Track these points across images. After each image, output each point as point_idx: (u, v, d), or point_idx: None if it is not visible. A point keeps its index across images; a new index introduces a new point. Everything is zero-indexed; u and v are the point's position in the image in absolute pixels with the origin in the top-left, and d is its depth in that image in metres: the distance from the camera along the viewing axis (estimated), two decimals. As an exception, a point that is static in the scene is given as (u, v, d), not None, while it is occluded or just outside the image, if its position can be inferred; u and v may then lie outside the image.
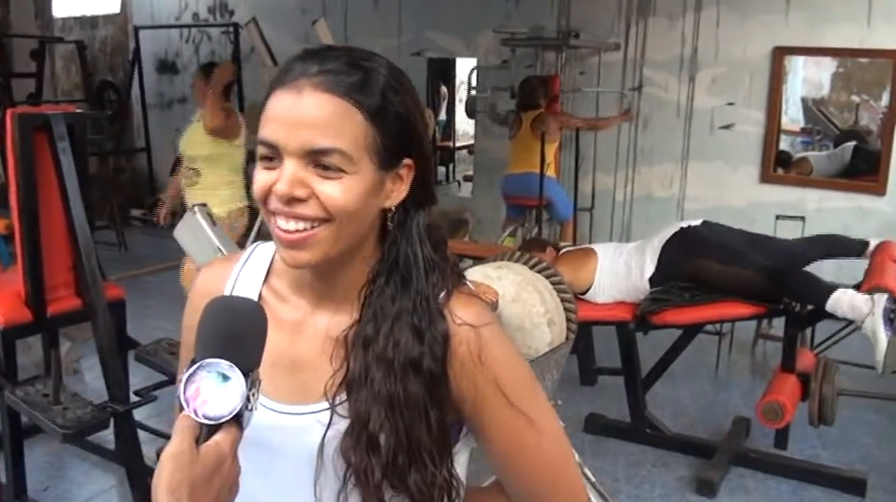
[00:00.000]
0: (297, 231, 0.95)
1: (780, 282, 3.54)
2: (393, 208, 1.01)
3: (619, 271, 3.81)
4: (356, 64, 0.95)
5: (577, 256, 3.95)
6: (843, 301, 3.34)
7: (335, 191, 0.93)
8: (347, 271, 1.02)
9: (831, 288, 3.41)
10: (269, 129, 0.94)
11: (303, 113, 0.92)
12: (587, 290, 3.84)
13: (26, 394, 2.96)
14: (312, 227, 0.95)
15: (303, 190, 0.93)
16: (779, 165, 6.28)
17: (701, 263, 3.65)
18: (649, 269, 3.71)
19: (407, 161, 1.00)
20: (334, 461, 0.98)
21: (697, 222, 3.86)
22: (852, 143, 6.03)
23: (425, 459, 0.97)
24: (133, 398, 3.25)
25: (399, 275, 1.01)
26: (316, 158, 0.93)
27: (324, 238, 0.95)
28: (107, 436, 3.58)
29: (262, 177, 0.96)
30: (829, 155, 6.17)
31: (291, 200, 0.93)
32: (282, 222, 0.95)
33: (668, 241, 3.72)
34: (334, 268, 1.02)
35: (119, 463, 3.46)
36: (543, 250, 3.96)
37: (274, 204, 0.95)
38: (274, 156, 0.94)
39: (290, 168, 0.93)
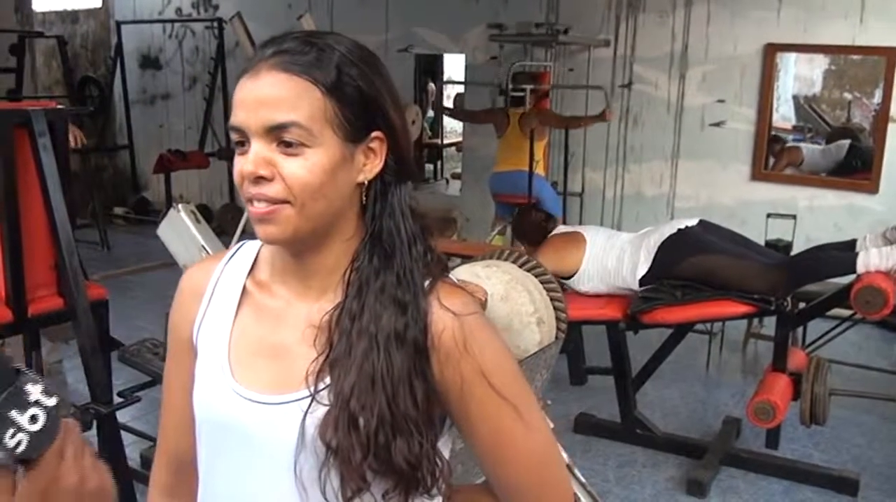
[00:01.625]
0: (265, 207, 0.97)
1: (794, 268, 3.52)
2: (367, 182, 1.02)
3: (609, 265, 3.75)
4: (310, 42, 0.98)
5: (566, 241, 3.88)
6: (873, 256, 3.33)
7: (298, 169, 0.96)
8: (327, 254, 1.03)
9: (853, 254, 3.41)
10: (235, 115, 0.97)
11: (260, 93, 0.96)
12: (571, 276, 3.79)
13: None
14: (276, 204, 0.97)
15: (267, 169, 0.96)
16: (770, 152, 6.25)
17: (704, 259, 3.58)
18: (642, 269, 3.66)
19: (376, 134, 1.01)
20: (314, 443, 0.97)
21: (693, 222, 3.81)
22: (847, 141, 6.03)
23: (411, 429, 0.96)
24: (116, 399, 3.20)
25: (382, 250, 1.02)
26: (278, 135, 0.95)
27: (289, 215, 0.97)
28: (90, 438, 3.51)
29: (237, 163, 0.99)
30: (823, 150, 6.15)
31: (258, 179, 0.96)
32: (256, 202, 0.97)
33: (665, 242, 3.67)
34: (313, 250, 1.02)
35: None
36: (538, 228, 3.96)
37: (246, 187, 0.97)
38: (244, 140, 0.97)
39: (255, 148, 0.96)
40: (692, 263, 3.58)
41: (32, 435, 0.74)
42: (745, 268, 3.54)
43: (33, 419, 0.74)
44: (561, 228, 4.16)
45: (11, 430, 0.73)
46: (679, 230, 3.72)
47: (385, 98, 1.01)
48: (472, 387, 1.00)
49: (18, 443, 0.73)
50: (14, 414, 0.73)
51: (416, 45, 7.65)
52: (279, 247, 1.04)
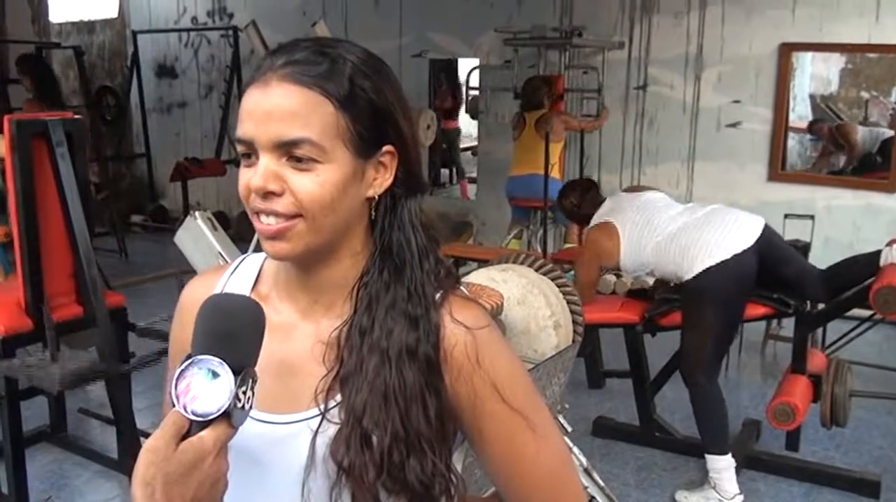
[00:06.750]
0: (276, 224, 0.94)
1: (826, 277, 3.51)
2: (377, 197, 0.99)
3: (645, 259, 3.56)
4: (322, 52, 0.95)
5: (599, 236, 3.69)
6: None
7: (309, 185, 0.92)
8: (336, 268, 1.00)
9: (875, 252, 3.42)
10: (243, 127, 0.94)
11: (271, 106, 0.92)
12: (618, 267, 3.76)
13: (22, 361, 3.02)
14: (287, 220, 0.94)
15: (277, 184, 0.92)
16: (816, 133, 6.24)
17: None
18: (706, 262, 3.36)
19: (388, 148, 0.98)
20: (326, 463, 0.95)
21: (757, 232, 3.42)
22: (890, 132, 5.94)
23: (424, 448, 0.94)
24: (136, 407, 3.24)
25: (392, 263, 0.99)
26: (288, 150, 0.92)
27: (301, 230, 0.94)
28: (110, 445, 3.56)
29: (243, 175, 0.95)
30: (870, 130, 6.07)
31: (267, 194, 0.93)
32: (263, 217, 0.94)
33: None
34: (321, 265, 1.00)
35: (122, 471, 3.44)
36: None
37: (253, 200, 0.94)
38: (251, 152, 0.94)
39: (265, 162, 0.92)
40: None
41: (247, 407, 0.87)
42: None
43: (248, 398, 0.87)
44: (594, 219, 3.85)
45: (250, 393, 0.87)
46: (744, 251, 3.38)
47: (397, 110, 0.98)
48: (484, 402, 0.98)
49: (246, 402, 0.86)
50: (251, 383, 0.87)
51: (430, 49, 7.66)
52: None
